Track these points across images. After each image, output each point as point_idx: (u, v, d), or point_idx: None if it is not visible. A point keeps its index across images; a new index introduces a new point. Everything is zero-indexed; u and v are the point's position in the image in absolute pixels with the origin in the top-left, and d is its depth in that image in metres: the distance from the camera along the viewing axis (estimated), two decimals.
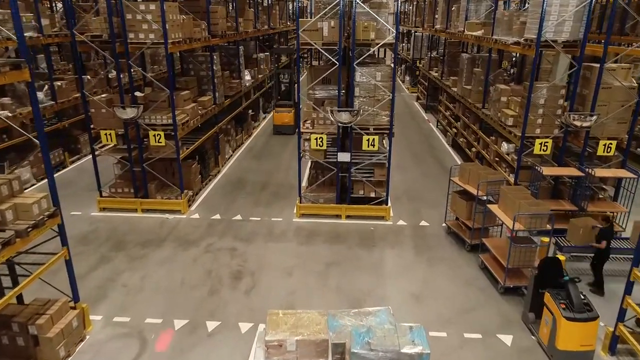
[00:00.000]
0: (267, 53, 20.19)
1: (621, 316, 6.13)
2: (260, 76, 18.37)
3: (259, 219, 10.51)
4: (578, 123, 9.38)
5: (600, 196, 10.10)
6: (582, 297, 6.09)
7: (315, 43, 9.39)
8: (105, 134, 10.23)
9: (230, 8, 15.36)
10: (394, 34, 9.36)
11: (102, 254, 8.91)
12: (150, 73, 12.78)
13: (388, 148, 10.18)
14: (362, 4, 9.19)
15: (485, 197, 8.56)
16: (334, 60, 9.46)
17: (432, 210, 10.97)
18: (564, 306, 6.01)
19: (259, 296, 7.66)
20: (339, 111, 9.65)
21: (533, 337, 6.70)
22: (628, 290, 6.01)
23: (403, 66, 31.98)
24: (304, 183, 11.59)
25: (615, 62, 9.91)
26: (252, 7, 17.08)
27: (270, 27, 20.01)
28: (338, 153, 10.08)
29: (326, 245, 9.33)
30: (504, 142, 11.04)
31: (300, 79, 11.08)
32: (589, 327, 5.94)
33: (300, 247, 9.30)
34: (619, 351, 6.34)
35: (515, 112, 10.57)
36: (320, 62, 14.66)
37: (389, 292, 7.76)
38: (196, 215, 10.64)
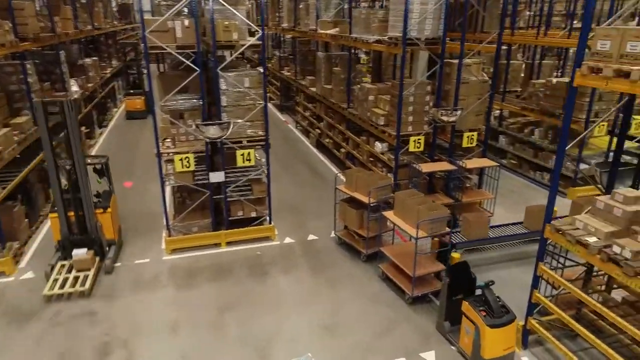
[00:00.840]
0: (96, 58, 17.23)
1: (530, 310, 6.22)
2: (90, 85, 15.52)
3: (119, 264, 8.53)
4: (445, 118, 9.64)
5: (467, 185, 10.65)
6: (498, 299, 5.99)
7: (167, 46, 7.82)
8: None
9: (40, 5, 12.44)
10: (260, 34, 8.32)
11: None
12: None
13: (265, 160, 9.14)
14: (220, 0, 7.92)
15: (378, 204, 8.19)
16: (191, 65, 8.03)
17: (316, 221, 10.31)
18: (484, 314, 5.82)
19: None
20: (206, 125, 8.27)
21: (453, 347, 6.46)
22: (535, 285, 6.10)
23: (248, 66, 30.98)
24: (169, 210, 9.86)
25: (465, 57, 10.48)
26: (69, 4, 14.19)
27: (94, 27, 17.08)
28: (209, 173, 8.69)
29: (211, 285, 7.93)
30: (377, 142, 10.93)
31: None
32: (510, 330, 5.86)
33: (180, 292, 7.73)
34: (529, 343, 6.45)
35: (385, 110, 10.49)
36: (165, 66, 12.77)
37: (299, 330, 6.80)
38: (29, 274, 8.18)
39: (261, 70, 8.72)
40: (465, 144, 10.13)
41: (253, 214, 9.42)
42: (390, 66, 13.95)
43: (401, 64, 9.29)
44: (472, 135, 10.12)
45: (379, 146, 10.81)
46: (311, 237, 9.63)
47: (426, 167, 9.47)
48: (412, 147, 9.77)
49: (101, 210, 8.34)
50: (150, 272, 8.27)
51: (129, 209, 10.74)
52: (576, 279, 6.32)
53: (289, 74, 19.07)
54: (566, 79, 11.58)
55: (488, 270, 8.22)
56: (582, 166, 11.43)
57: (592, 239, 5.13)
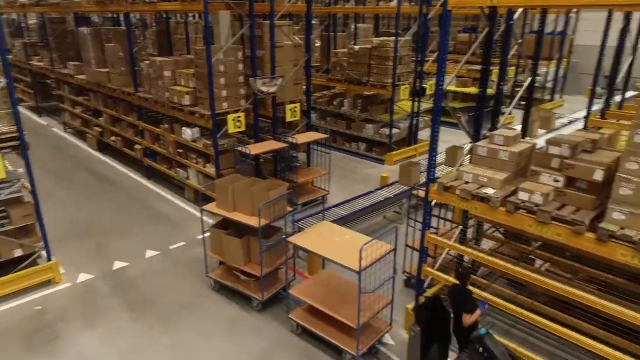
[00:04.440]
0: None
1: (420, 289, 5.29)
2: None
3: None
4: (265, 88, 8.16)
5: (297, 164, 9.49)
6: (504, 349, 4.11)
7: None
8: None
9: None
10: None
11: None
12: None
13: (25, 169, 6.08)
14: None
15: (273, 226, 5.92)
16: None
17: (121, 240, 7.65)
18: None
19: None
20: None
21: None
22: (423, 258, 5.17)
23: None
24: None
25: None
26: None
27: None
28: None
29: None
30: (185, 128, 8.74)
31: None
32: None
33: None
34: None
35: (189, 87, 8.39)
36: None
37: None
38: None
39: None
40: (289, 118, 8.89)
41: (18, 252, 6.26)
42: (180, 41, 11.79)
43: (204, 24, 7.38)
44: (295, 107, 8.94)
45: (188, 133, 8.66)
46: (119, 264, 6.99)
47: (255, 149, 7.86)
48: (231, 128, 7.99)
49: None
50: None
51: None
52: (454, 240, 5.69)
53: (41, 64, 14.76)
54: (368, 46, 11.44)
55: None
56: (394, 131, 11.56)
57: (489, 191, 4.36)
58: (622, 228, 3.60)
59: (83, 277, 6.66)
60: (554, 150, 4.15)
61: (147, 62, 9.19)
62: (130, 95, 9.95)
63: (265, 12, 8.35)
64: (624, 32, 7.33)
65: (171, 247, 7.47)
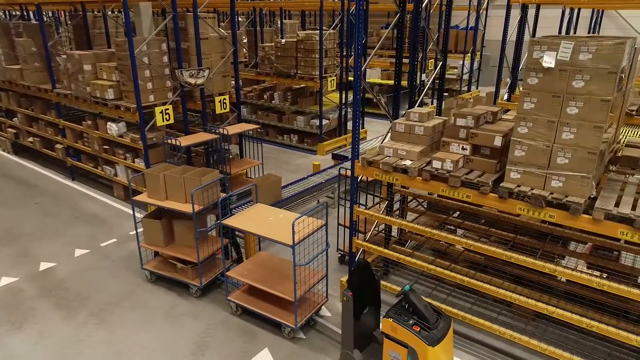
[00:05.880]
0: None
1: (353, 261, 5.63)
2: None
3: None
4: (192, 80, 8.13)
5: (231, 156, 9.54)
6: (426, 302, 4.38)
7: None
8: None
9: None
10: None
11: None
12: None
13: None
14: None
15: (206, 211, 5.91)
16: None
17: (47, 243, 7.31)
18: (418, 329, 4.05)
19: None
20: None
21: None
22: (354, 232, 5.50)
23: None
24: None
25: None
26: None
27: None
28: None
29: None
30: (110, 123, 8.48)
31: None
32: (450, 338, 4.29)
33: None
34: None
35: (113, 80, 8.16)
36: None
37: None
38: None
39: None
40: (218, 110, 8.91)
41: None
42: (99, 36, 11.35)
43: (124, 14, 7.22)
44: (224, 99, 8.98)
45: (114, 128, 8.41)
46: (45, 265, 6.69)
47: (185, 141, 7.80)
48: (159, 121, 7.88)
49: None
50: None
51: None
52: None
53: None
54: (294, 39, 11.68)
55: None
56: (324, 122, 11.91)
57: (407, 162, 4.76)
58: (518, 186, 4.11)
59: (5, 280, 6.31)
60: (460, 122, 4.62)
61: (64, 56, 8.79)
62: (47, 92, 9.46)
63: (188, 6, 8.31)
64: (521, 26, 8.16)
65: (102, 244, 7.27)
